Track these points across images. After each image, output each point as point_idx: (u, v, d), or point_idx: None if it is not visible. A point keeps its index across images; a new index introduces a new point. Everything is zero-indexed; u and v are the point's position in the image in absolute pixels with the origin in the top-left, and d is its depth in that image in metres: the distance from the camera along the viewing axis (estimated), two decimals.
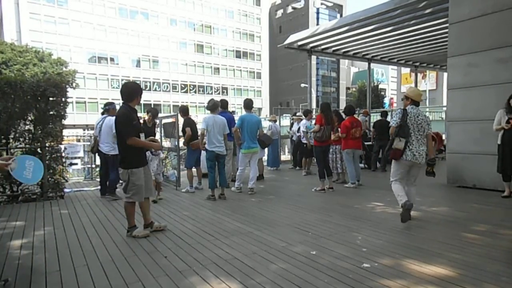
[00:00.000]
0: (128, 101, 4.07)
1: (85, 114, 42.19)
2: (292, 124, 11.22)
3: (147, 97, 46.59)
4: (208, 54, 53.51)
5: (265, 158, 11.40)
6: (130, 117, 3.96)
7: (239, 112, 28.82)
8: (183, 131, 7.16)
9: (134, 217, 4.17)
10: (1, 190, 6.36)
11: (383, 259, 3.20)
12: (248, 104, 7.00)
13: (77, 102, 40.91)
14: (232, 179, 7.67)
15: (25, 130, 6.45)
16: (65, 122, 6.91)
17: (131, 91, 4.10)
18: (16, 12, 39.23)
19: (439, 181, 7.49)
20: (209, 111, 6.47)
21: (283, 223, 4.55)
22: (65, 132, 7.44)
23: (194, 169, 7.46)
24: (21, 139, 6.44)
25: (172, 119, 8.29)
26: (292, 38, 11.70)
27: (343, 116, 7.73)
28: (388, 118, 11.12)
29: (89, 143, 10.86)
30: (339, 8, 70.66)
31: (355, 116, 7.88)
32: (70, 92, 6.85)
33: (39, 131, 6.42)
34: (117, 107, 7.06)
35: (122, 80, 46.09)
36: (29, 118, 6.47)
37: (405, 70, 45.44)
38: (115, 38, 45.02)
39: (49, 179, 6.55)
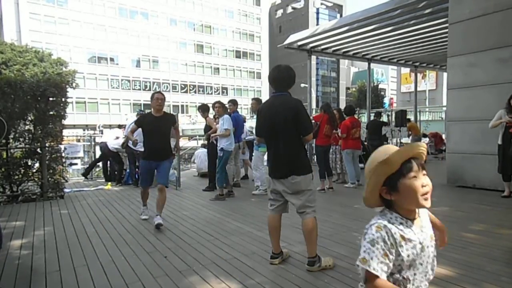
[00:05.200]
0: (287, 88, 3.21)
1: (85, 114, 42.20)
2: None
3: (147, 97, 46.49)
4: (208, 54, 53.49)
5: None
6: None
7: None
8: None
9: None
10: (1, 190, 6.36)
11: None
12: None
13: (77, 102, 40.86)
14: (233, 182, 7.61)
15: (25, 130, 6.45)
16: (65, 122, 6.92)
17: (286, 77, 3.18)
18: (16, 12, 39.22)
19: (439, 181, 7.50)
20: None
21: (283, 223, 4.52)
22: (65, 132, 7.47)
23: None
24: (21, 139, 6.43)
25: None
26: (292, 38, 11.69)
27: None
28: (381, 119, 11.17)
29: (89, 143, 10.88)
30: (339, 8, 70.64)
31: (355, 116, 7.91)
32: (70, 92, 6.86)
33: (39, 131, 6.42)
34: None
35: (122, 80, 46.16)
36: (29, 118, 6.46)
37: (405, 70, 45.43)
38: (115, 38, 45.01)
39: (49, 179, 6.55)
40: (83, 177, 9.09)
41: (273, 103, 3.16)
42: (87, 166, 9.53)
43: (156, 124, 4.64)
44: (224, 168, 6.31)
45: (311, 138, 3.13)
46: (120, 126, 9.63)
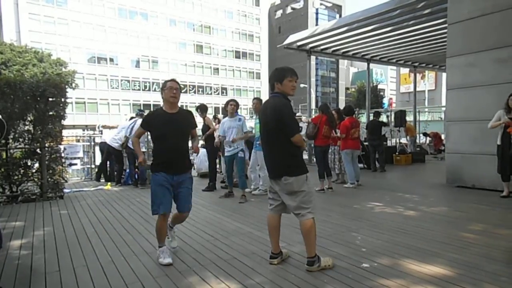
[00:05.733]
0: (274, 88, 3.14)
1: (84, 114, 42.15)
2: None
3: (146, 97, 46.62)
4: (208, 54, 53.49)
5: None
6: (292, 109, 3.13)
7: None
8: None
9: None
10: (0, 191, 6.36)
11: (382, 259, 3.20)
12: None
13: (76, 103, 40.86)
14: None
15: (24, 131, 6.45)
16: (64, 122, 6.91)
17: (270, 78, 3.18)
18: (15, 13, 39.19)
19: (438, 181, 7.51)
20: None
21: (282, 223, 4.51)
22: (65, 132, 7.46)
23: None
24: (20, 140, 6.43)
25: None
26: (291, 38, 11.71)
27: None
28: (381, 119, 11.20)
29: (88, 143, 10.87)
30: (338, 8, 70.72)
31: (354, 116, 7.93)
32: (70, 92, 6.87)
33: (39, 132, 6.42)
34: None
35: (121, 80, 46.12)
36: (29, 118, 6.46)
37: (404, 70, 45.50)
38: (114, 38, 44.99)
39: (49, 179, 6.55)
40: (97, 180, 9.03)
41: (266, 105, 3.25)
42: (97, 170, 9.42)
43: (172, 125, 3.31)
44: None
45: (299, 139, 3.03)
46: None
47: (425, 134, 15.38)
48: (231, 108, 6.24)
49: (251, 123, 9.29)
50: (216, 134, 7.75)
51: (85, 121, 39.46)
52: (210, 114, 7.65)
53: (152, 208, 3.31)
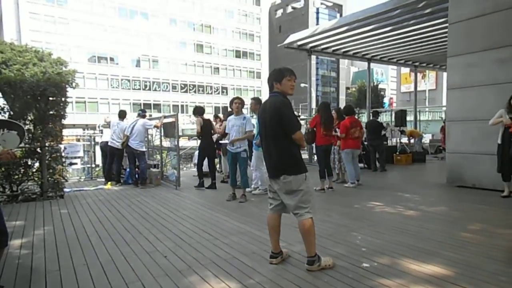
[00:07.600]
0: (274, 88, 3.21)
1: (84, 114, 42.14)
2: None
3: (147, 96, 46.62)
4: (208, 53, 53.46)
5: None
6: (292, 107, 3.15)
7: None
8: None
9: None
10: (1, 190, 6.36)
11: (382, 259, 3.20)
12: None
13: (76, 102, 40.82)
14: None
15: (25, 130, 6.45)
16: (65, 121, 6.92)
17: (268, 79, 3.28)
18: (16, 12, 39.20)
19: (438, 181, 7.51)
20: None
21: (282, 223, 4.52)
22: (65, 131, 7.46)
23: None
24: None
25: (172, 119, 8.32)
26: (291, 38, 11.71)
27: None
28: (380, 119, 11.18)
29: (88, 142, 10.87)
30: (338, 8, 70.60)
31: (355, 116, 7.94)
32: (70, 91, 6.86)
33: (39, 131, 6.42)
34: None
35: (122, 80, 46.12)
36: (29, 117, 6.46)
37: (405, 70, 45.48)
38: (115, 37, 44.92)
39: (49, 178, 6.56)
40: (111, 181, 8.25)
41: (265, 104, 3.26)
42: (106, 172, 8.56)
43: None
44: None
45: (300, 136, 3.04)
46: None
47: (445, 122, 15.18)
48: (236, 106, 6.21)
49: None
50: (215, 136, 7.84)
51: (85, 120, 39.46)
52: (210, 114, 7.69)
53: None
